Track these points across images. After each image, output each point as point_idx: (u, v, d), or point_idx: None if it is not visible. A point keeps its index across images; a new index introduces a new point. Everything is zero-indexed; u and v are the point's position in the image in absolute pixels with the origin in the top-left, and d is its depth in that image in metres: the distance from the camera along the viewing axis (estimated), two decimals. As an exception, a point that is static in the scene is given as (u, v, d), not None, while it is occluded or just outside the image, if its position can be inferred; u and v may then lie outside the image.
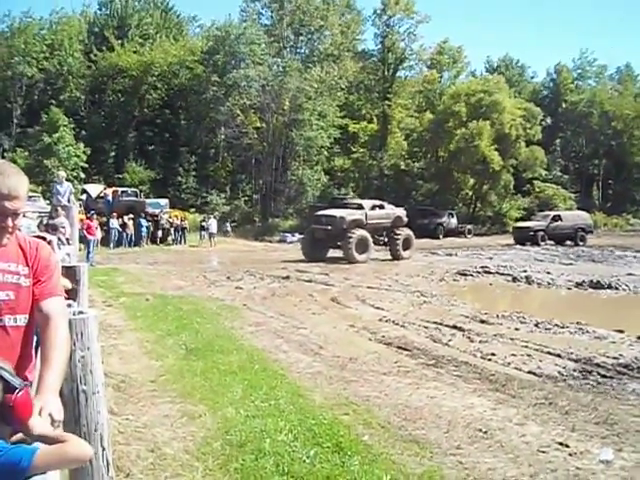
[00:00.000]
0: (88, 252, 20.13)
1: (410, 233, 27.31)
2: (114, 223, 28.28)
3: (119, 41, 46.54)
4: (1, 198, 2.12)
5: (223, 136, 45.01)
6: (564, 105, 63.85)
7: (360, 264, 23.65)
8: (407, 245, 26.86)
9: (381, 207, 27.83)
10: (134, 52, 45.42)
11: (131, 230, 29.52)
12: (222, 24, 45.56)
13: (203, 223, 33.95)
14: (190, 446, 4.66)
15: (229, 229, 36.40)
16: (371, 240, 25.26)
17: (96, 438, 2.71)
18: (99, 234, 24.29)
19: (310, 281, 18.00)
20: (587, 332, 10.60)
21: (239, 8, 49.09)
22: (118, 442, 4.46)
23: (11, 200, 2.14)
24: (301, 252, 25.91)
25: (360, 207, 26.95)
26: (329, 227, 24.90)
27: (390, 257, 26.37)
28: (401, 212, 27.95)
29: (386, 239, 27.23)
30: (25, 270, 2.24)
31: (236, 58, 43.00)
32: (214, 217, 35.32)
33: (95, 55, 45.18)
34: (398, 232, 26.65)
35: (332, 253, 25.81)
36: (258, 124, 44.60)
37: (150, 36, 49.27)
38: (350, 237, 24.30)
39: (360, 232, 24.72)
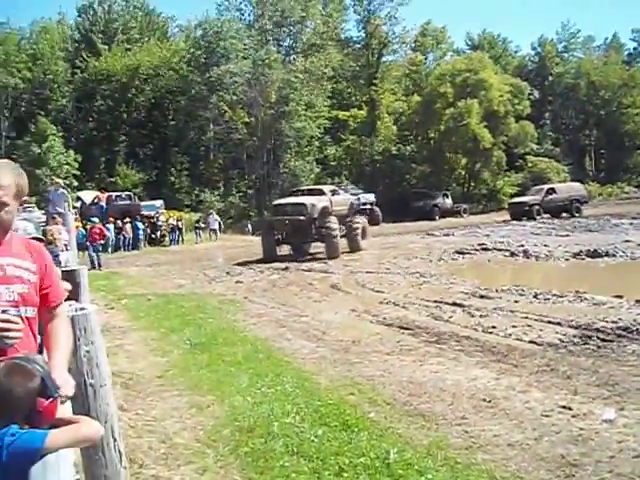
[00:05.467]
0: (98, 257, 20.38)
1: (366, 222, 24.76)
2: (110, 228, 28.16)
3: (105, 46, 46.34)
4: None
5: (212, 133, 44.89)
6: (550, 78, 63.88)
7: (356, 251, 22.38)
8: (364, 235, 23.61)
9: (336, 192, 24.60)
10: (122, 56, 45.21)
11: (128, 234, 29.45)
12: (199, 21, 45.43)
13: (197, 224, 33.79)
14: (200, 435, 4.74)
15: (217, 227, 34.73)
16: None
17: (107, 429, 2.79)
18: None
19: (309, 270, 18.06)
20: (586, 299, 10.68)
21: (215, 4, 48.89)
22: (130, 436, 4.54)
23: None
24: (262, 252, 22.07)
25: (321, 192, 23.57)
26: (301, 217, 21.20)
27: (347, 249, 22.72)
28: (354, 199, 25.61)
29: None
30: (33, 267, 2.38)
31: (217, 54, 42.82)
32: (215, 212, 35.30)
33: (80, 62, 44.94)
34: (356, 221, 23.41)
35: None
36: (247, 119, 44.42)
37: (135, 39, 49.05)
38: (333, 227, 21.20)
39: (335, 221, 21.58)
